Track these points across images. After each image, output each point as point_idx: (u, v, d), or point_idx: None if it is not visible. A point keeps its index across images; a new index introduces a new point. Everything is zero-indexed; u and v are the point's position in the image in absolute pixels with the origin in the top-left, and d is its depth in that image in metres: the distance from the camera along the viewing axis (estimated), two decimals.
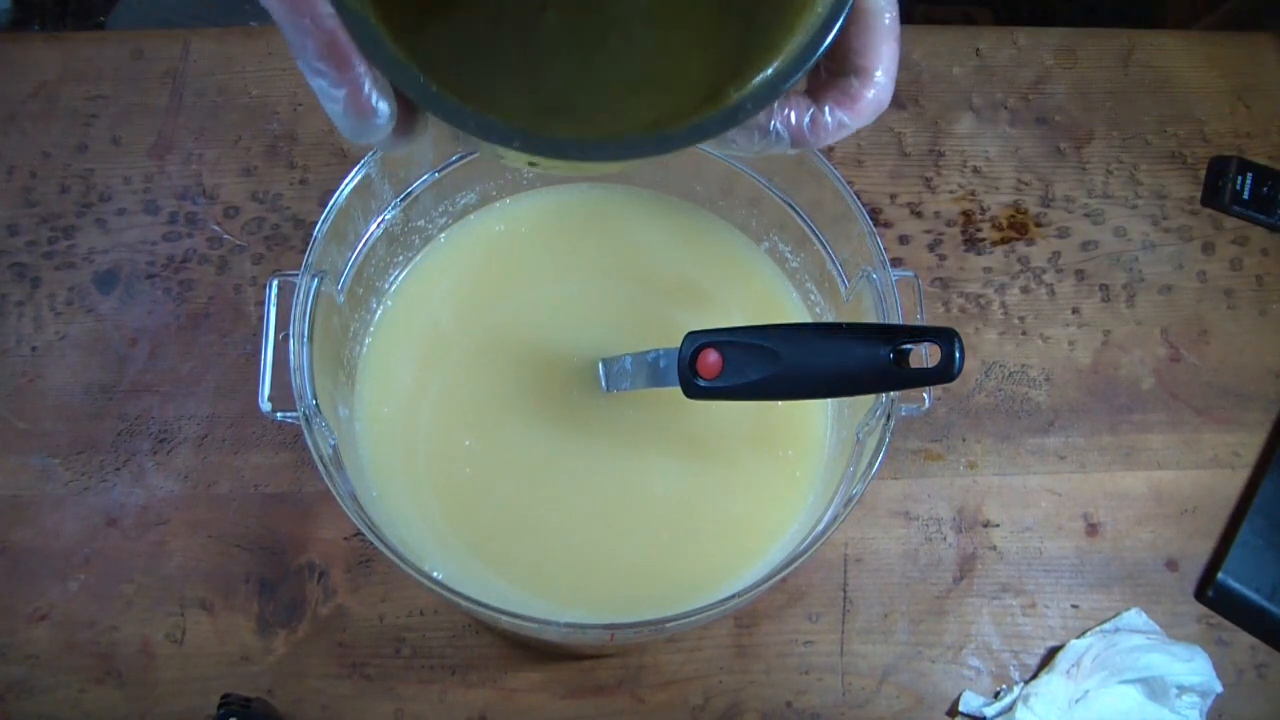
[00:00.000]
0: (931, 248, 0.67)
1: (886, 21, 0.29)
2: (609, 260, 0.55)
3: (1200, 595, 0.60)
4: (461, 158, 0.49)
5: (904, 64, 0.71)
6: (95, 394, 0.60)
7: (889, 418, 0.42)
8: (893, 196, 0.68)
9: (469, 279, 0.53)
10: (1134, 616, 0.59)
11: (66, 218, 0.64)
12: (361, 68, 0.26)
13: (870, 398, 0.44)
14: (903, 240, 0.67)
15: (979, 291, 0.66)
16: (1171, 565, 0.61)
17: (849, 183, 0.46)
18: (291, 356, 0.41)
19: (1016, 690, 0.56)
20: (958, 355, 0.36)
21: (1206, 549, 0.61)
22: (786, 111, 0.31)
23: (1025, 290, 0.67)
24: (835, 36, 0.28)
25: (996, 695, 0.57)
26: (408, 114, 0.29)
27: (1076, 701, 0.55)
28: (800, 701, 0.56)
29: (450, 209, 0.53)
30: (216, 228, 0.64)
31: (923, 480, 0.61)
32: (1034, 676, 0.57)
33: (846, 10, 0.28)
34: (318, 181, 0.65)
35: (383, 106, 0.27)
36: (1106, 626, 0.58)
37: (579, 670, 0.56)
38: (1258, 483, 0.62)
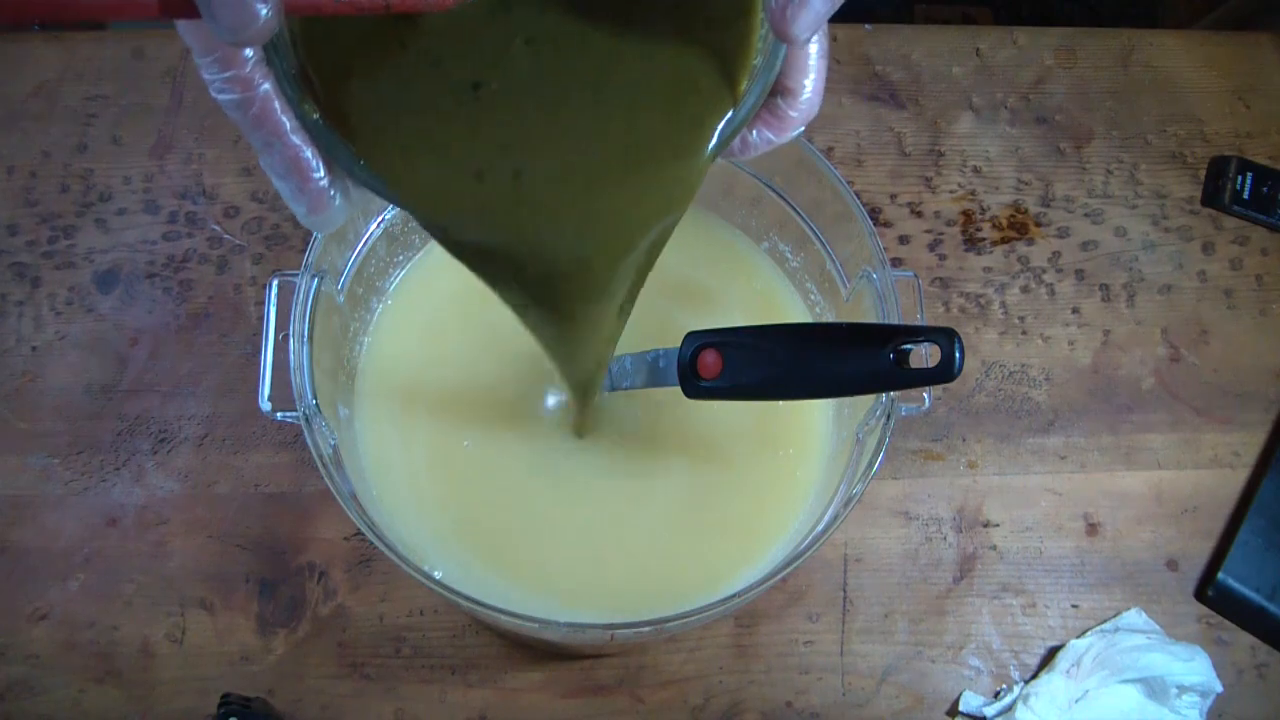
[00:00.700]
0: (931, 247, 0.67)
1: (813, 50, 0.30)
2: None
3: (1200, 595, 0.60)
4: None
5: (904, 64, 0.72)
6: (95, 394, 0.60)
7: (889, 418, 0.42)
8: (893, 196, 0.68)
9: (469, 278, 0.53)
10: (1134, 616, 0.59)
11: (66, 217, 0.64)
12: (322, 177, 0.29)
13: (870, 398, 0.44)
14: (903, 240, 0.67)
15: (979, 291, 0.66)
16: (1171, 565, 0.61)
17: (849, 182, 0.46)
18: (291, 356, 0.41)
19: (1016, 690, 0.56)
20: (958, 355, 0.36)
21: (1206, 549, 0.61)
22: None
23: (1025, 290, 0.67)
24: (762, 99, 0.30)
25: (996, 695, 0.57)
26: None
27: (1076, 701, 0.55)
28: (800, 701, 0.56)
29: None
30: (216, 227, 0.64)
31: (923, 480, 0.61)
32: (1034, 676, 0.57)
33: (773, 77, 0.29)
34: None
35: (339, 200, 0.30)
36: (1106, 626, 0.58)
37: (579, 670, 0.56)
38: (1258, 483, 0.62)
